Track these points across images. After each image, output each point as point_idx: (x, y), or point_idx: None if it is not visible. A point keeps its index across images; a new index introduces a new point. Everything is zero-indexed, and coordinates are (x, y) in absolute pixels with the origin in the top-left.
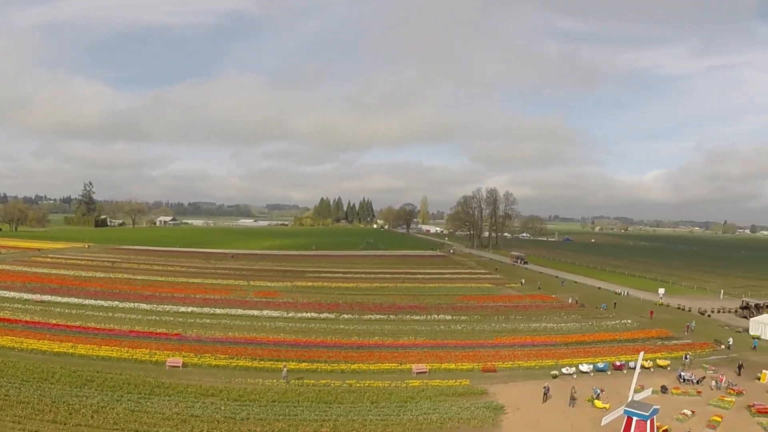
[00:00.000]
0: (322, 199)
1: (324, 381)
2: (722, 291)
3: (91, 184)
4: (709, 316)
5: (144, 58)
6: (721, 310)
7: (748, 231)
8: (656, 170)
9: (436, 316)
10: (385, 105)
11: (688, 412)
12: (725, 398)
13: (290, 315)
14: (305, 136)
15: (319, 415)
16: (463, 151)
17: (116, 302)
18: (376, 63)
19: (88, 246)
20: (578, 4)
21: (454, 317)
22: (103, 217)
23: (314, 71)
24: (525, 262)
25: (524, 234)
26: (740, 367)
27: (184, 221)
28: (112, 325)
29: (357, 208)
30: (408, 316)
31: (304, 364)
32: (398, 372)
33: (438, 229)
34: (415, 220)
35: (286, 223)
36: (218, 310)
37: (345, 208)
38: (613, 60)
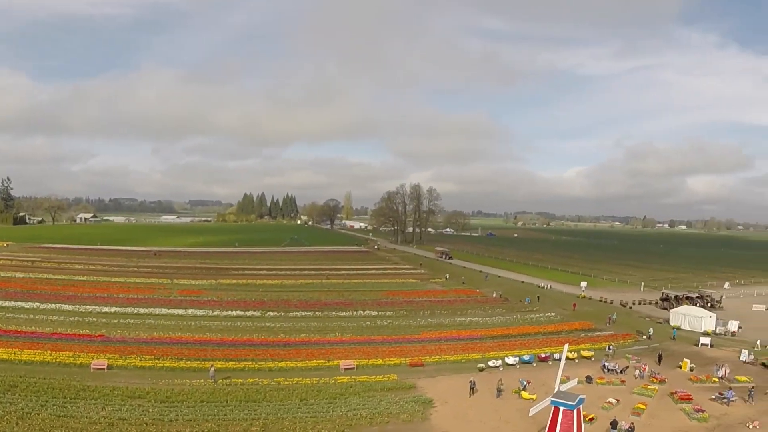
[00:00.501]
0: (245, 194)
1: (252, 380)
2: (643, 284)
3: (9, 179)
4: (630, 308)
5: (64, 48)
6: (642, 302)
7: (666, 226)
8: (577, 167)
9: (361, 312)
10: (309, 100)
11: (613, 401)
12: (648, 386)
13: (215, 313)
14: (228, 130)
15: (248, 414)
16: (386, 147)
17: (37, 303)
18: (300, 58)
19: (7, 245)
20: (502, 4)
21: (379, 313)
22: (21, 214)
23: (237, 65)
24: (449, 258)
25: (448, 229)
26: (660, 356)
27: (106, 218)
28: (33, 328)
29: (280, 204)
30: (334, 313)
31: (231, 363)
32: (326, 369)
33: (362, 224)
34: (338, 215)
35: (210, 219)
36: (142, 310)
37: (268, 204)
38: (536, 59)
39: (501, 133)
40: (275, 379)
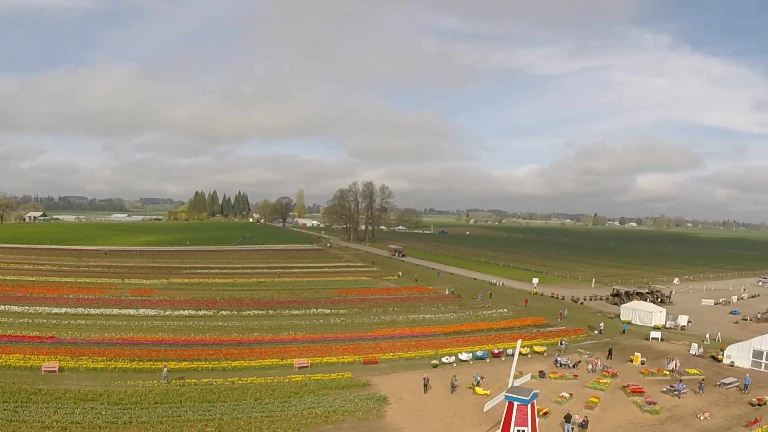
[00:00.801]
0: (197, 192)
1: (206, 380)
2: (594, 280)
3: None
4: (582, 303)
5: (12, 41)
6: (593, 298)
7: (617, 223)
8: (530, 165)
9: (314, 310)
10: (263, 97)
11: (567, 395)
12: (601, 380)
13: (167, 313)
14: (180, 127)
15: (203, 415)
16: (339, 145)
17: None
18: (255, 54)
19: None
20: (458, 3)
21: (332, 311)
22: None
23: (191, 61)
24: (402, 255)
25: (400, 227)
26: (610, 351)
27: (55, 217)
28: None
29: (233, 202)
30: (287, 311)
31: (184, 363)
32: (280, 367)
33: (314, 222)
34: (291, 213)
35: (161, 217)
36: (93, 311)
37: (221, 202)
38: (490, 58)
39: (455, 132)
40: (229, 379)
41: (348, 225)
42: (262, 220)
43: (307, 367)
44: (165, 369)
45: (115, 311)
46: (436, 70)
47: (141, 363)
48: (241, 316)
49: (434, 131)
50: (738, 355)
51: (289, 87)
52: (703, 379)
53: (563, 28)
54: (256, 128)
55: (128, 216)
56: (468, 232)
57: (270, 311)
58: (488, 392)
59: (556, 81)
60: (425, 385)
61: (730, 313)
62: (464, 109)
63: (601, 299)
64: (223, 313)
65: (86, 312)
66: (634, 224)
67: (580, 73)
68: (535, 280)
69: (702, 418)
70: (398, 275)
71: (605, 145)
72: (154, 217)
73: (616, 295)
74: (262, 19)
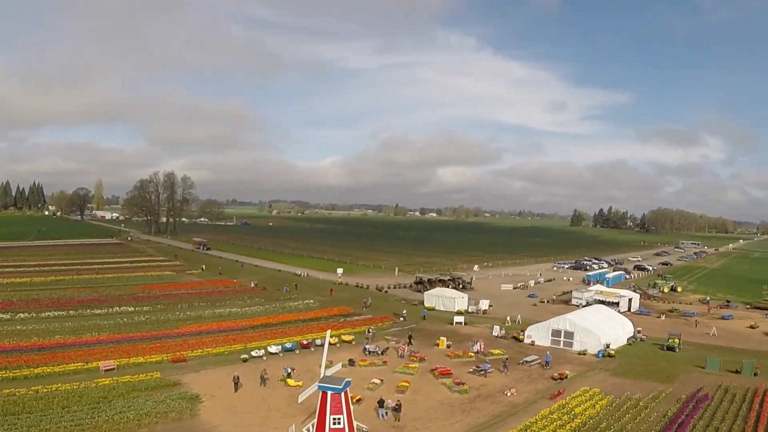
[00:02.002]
0: None
1: (7, 390)
2: (397, 269)
3: None
4: (386, 292)
5: None
6: (398, 286)
7: (418, 213)
8: (334, 156)
9: (118, 308)
10: (61, 80)
11: (378, 381)
12: (410, 365)
13: None
14: None
15: (7, 429)
16: (141, 133)
17: None
18: (56, 34)
19: None
20: None
21: (137, 308)
22: None
23: None
24: (207, 248)
25: (202, 219)
26: (410, 337)
27: None
28: None
29: (27, 193)
30: (89, 311)
31: None
32: (86, 372)
33: (115, 215)
34: (89, 205)
35: None
36: None
37: (14, 194)
38: (299, 50)
39: (260, 122)
40: (33, 388)
41: (149, 217)
42: (59, 213)
43: (114, 369)
44: None
45: None
46: (245, 60)
47: None
48: (41, 318)
49: (239, 121)
50: (538, 334)
51: (89, 70)
52: (507, 359)
53: (373, 24)
54: (53, 113)
55: None
56: (271, 224)
57: (71, 311)
58: (300, 383)
59: (364, 75)
60: (237, 381)
61: (529, 296)
62: (271, 100)
63: (404, 287)
64: (21, 315)
65: None
66: (434, 214)
67: (388, 68)
68: (340, 270)
69: (509, 394)
70: (202, 269)
71: (408, 138)
72: None
73: (419, 282)
74: None
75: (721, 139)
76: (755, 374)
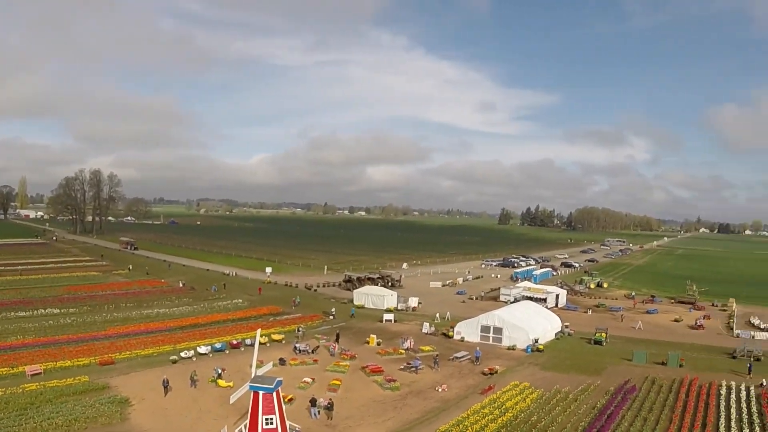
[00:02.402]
0: None
1: None
2: (326, 267)
3: None
4: (315, 290)
5: None
6: (327, 285)
7: (346, 212)
8: (262, 154)
9: (43, 310)
10: None
11: (309, 380)
12: (341, 363)
13: None
14: None
15: None
16: (66, 129)
17: None
18: None
19: None
20: None
21: (62, 310)
22: None
23: None
24: (135, 248)
25: (129, 217)
26: (338, 335)
27: None
28: None
29: None
30: (12, 313)
31: None
32: (11, 377)
33: (39, 213)
34: (13, 204)
35: None
36: None
37: None
38: (230, 46)
39: (188, 119)
40: None
41: (74, 216)
42: None
43: (41, 373)
44: None
45: None
46: (174, 55)
47: None
48: None
49: (167, 118)
50: (467, 331)
51: (16, 62)
52: (437, 355)
53: (304, 21)
54: None
55: None
56: (199, 222)
57: None
58: (231, 384)
59: (294, 72)
60: (166, 383)
61: (457, 293)
62: (200, 97)
63: (334, 285)
64: None
65: None
66: (363, 213)
67: (318, 66)
68: (269, 269)
69: (440, 390)
70: (129, 269)
71: (337, 136)
72: None
73: (348, 281)
74: None
75: (646, 140)
76: (681, 365)
